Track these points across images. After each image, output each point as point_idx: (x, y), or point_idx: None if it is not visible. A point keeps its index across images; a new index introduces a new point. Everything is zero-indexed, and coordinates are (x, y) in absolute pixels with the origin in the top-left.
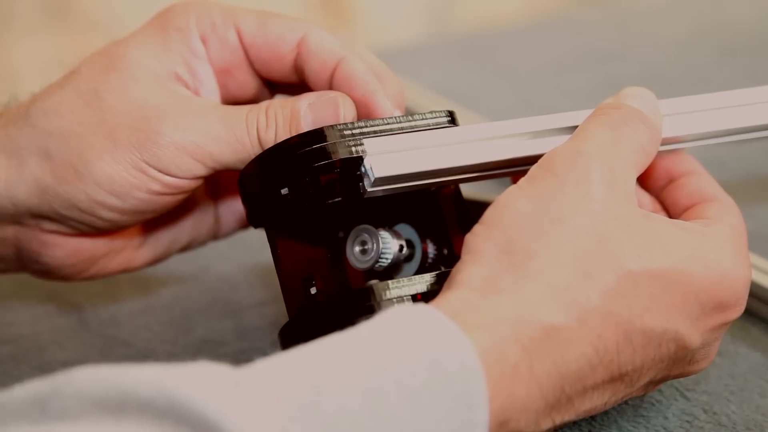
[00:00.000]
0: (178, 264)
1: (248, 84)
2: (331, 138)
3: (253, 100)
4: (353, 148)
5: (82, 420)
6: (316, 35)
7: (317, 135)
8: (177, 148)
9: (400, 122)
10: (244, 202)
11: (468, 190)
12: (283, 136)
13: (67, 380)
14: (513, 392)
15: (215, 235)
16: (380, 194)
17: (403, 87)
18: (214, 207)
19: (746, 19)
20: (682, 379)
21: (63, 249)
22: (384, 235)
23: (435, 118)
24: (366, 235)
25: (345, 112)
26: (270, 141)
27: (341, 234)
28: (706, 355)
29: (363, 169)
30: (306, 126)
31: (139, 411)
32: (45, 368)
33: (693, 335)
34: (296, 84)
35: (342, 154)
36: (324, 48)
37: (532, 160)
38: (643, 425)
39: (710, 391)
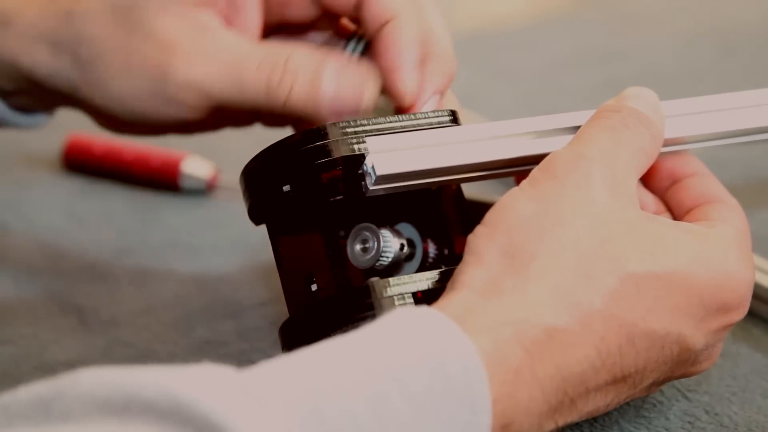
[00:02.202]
0: (179, 264)
1: (306, 11)
2: (333, 135)
3: (309, 25)
4: (355, 146)
5: (85, 422)
6: None
7: (319, 132)
8: (182, 86)
9: (402, 121)
10: (246, 198)
11: (469, 190)
12: (299, 95)
13: (71, 382)
14: (515, 395)
15: None
16: (382, 193)
17: (453, 70)
18: None
19: (746, 19)
20: (683, 380)
21: (106, 119)
22: (385, 233)
23: (437, 117)
24: (367, 234)
25: (369, 97)
26: (282, 96)
27: (342, 233)
28: (709, 357)
29: (365, 167)
30: (325, 95)
31: (143, 413)
32: (45, 368)
33: (696, 337)
34: (355, 19)
35: (344, 151)
36: None
37: (535, 159)
38: (645, 426)
39: (712, 392)
